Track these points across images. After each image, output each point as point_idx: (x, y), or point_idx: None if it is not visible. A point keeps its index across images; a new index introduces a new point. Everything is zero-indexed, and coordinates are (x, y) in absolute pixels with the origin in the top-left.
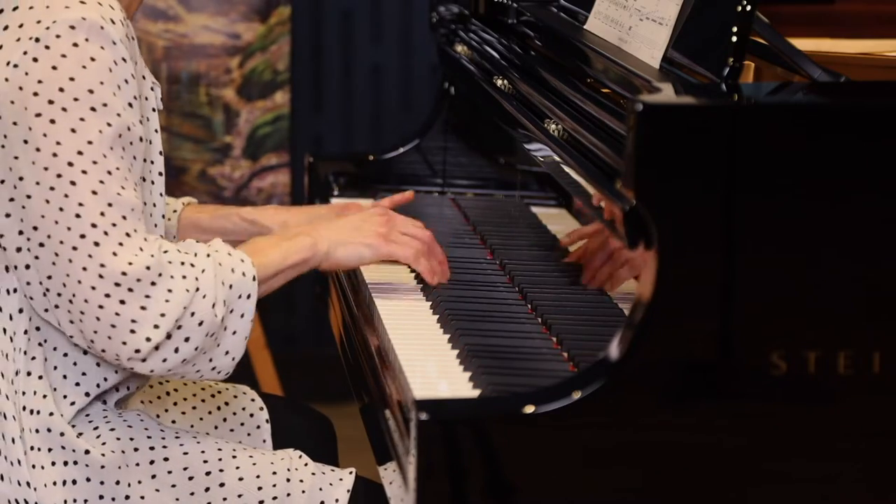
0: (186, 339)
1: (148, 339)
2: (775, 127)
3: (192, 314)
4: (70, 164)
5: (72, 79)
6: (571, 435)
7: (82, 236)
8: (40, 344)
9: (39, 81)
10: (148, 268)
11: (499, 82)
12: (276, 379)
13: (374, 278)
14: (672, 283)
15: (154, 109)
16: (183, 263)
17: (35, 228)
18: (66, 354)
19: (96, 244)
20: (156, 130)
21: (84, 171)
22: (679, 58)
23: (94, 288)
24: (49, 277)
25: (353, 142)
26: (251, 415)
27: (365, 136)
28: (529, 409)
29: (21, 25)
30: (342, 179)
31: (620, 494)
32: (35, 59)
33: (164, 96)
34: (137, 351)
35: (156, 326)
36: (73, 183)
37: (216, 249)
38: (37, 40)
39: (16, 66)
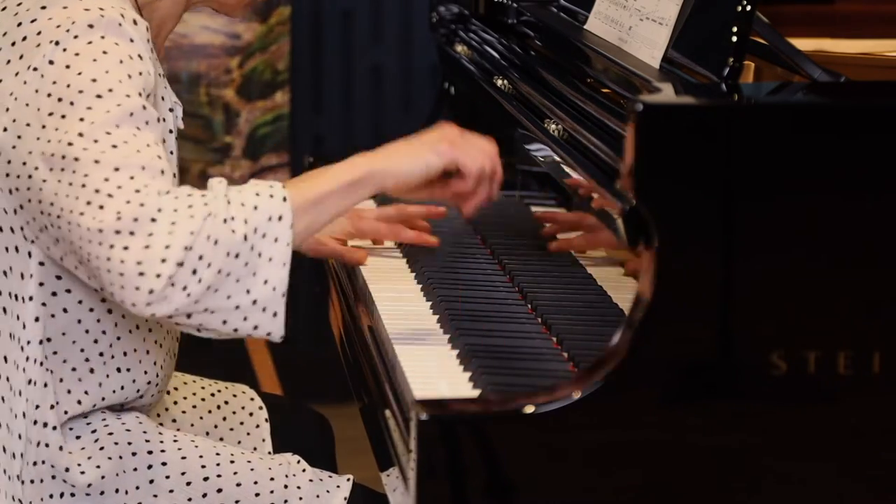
0: (201, 258)
1: (158, 276)
2: (775, 127)
3: (208, 237)
4: (70, 144)
5: (79, 73)
6: (571, 435)
7: (88, 203)
8: (48, 357)
9: (54, 82)
10: (142, 204)
11: (499, 82)
12: (275, 379)
13: (374, 278)
14: (672, 283)
15: (171, 131)
16: (191, 195)
17: (49, 214)
18: (74, 369)
19: (101, 207)
20: (171, 152)
21: (85, 149)
22: (679, 58)
23: (100, 244)
24: (66, 242)
25: (353, 142)
26: (250, 414)
27: (365, 136)
28: (529, 409)
29: (39, 32)
30: None
31: (621, 494)
32: (51, 62)
33: None
34: (151, 292)
35: (163, 261)
36: (76, 159)
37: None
38: (56, 43)
39: (35, 69)
